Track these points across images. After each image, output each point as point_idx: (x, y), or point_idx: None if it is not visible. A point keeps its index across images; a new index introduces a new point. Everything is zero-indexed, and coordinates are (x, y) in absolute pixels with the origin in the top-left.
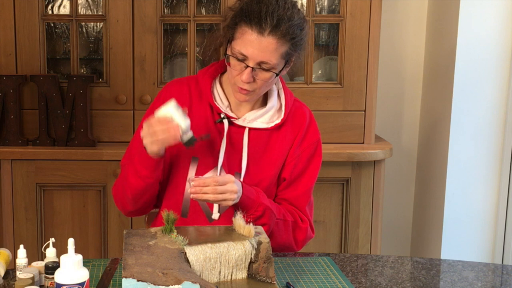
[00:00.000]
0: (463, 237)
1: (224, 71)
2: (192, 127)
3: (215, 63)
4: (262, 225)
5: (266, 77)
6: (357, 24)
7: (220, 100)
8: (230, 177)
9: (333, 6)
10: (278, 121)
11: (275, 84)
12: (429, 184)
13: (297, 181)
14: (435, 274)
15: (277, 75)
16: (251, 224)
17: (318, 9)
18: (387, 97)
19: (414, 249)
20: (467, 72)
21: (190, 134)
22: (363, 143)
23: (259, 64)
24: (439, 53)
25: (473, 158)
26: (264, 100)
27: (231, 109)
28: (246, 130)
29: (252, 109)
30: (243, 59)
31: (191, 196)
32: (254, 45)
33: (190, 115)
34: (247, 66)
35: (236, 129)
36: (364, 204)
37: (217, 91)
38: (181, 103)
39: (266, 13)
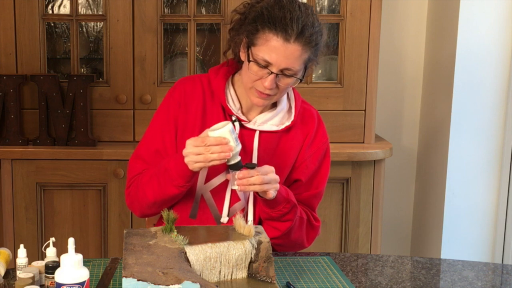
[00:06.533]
0: (463, 237)
1: (235, 71)
2: (206, 126)
3: (226, 62)
4: (287, 221)
5: (288, 83)
6: (357, 24)
7: (233, 102)
8: (270, 167)
9: (333, 6)
10: (288, 123)
11: None
12: (429, 184)
13: (310, 182)
14: (435, 273)
15: (300, 80)
16: (251, 223)
17: (318, 9)
18: (387, 97)
19: (414, 249)
20: (467, 72)
21: (238, 158)
22: (363, 142)
23: (282, 70)
24: (439, 53)
25: (473, 158)
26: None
27: (242, 112)
28: (257, 133)
29: (261, 112)
30: (266, 65)
31: (238, 188)
32: (280, 52)
33: (204, 114)
34: (271, 73)
35: (247, 132)
36: (364, 203)
37: (230, 93)
38: (195, 101)
39: (291, 19)
